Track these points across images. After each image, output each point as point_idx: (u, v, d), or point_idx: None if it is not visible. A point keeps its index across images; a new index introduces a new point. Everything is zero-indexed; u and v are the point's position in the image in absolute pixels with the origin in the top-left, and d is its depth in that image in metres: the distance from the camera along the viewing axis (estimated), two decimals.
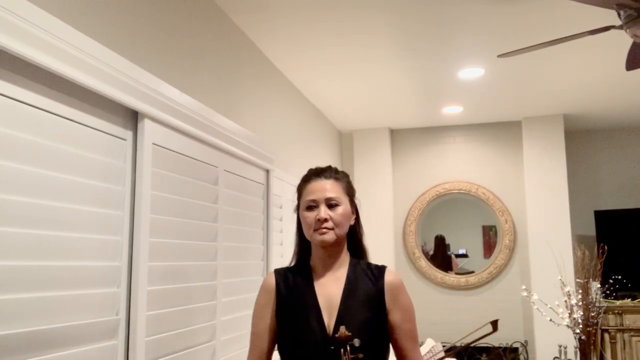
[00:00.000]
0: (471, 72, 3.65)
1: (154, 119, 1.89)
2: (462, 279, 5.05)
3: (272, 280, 1.59)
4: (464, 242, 5.17)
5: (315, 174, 1.60)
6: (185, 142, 2.14)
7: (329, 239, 1.52)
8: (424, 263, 5.11)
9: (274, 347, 1.58)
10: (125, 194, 1.76)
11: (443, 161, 5.23)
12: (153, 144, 1.88)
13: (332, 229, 1.52)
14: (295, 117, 3.83)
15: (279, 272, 1.62)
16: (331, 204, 1.53)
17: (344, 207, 1.55)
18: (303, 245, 1.63)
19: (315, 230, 1.52)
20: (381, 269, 1.59)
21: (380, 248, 5.01)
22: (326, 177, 1.58)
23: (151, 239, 1.84)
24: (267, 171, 3.03)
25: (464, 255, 5.14)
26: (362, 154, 5.18)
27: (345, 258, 1.60)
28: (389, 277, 1.57)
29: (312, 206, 1.54)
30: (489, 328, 1.20)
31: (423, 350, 3.73)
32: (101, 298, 1.62)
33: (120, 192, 1.75)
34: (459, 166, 5.19)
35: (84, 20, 1.62)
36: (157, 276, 1.88)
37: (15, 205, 1.33)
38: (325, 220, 1.51)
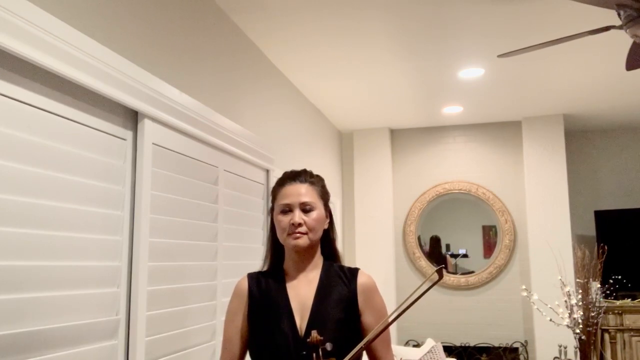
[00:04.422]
0: (471, 72, 3.65)
1: (154, 119, 1.89)
2: (462, 279, 5.05)
3: (245, 284, 1.58)
4: (464, 242, 5.17)
5: (290, 177, 1.57)
6: (185, 142, 2.14)
7: (302, 244, 1.51)
8: (424, 263, 5.11)
9: (245, 351, 1.57)
10: (125, 194, 1.77)
11: (443, 161, 5.23)
12: (153, 144, 1.88)
13: (305, 233, 1.51)
14: (295, 117, 3.83)
15: (252, 276, 1.60)
16: (306, 209, 1.52)
17: (318, 212, 1.54)
18: (276, 249, 1.61)
19: (289, 234, 1.51)
20: (354, 271, 1.59)
21: (380, 248, 5.02)
22: (301, 181, 1.56)
23: (151, 239, 1.84)
24: (267, 171, 3.03)
25: (465, 255, 5.13)
26: (362, 154, 5.19)
27: (318, 261, 1.59)
28: (361, 279, 1.56)
29: (287, 210, 1.53)
30: (435, 277, 1.20)
31: (423, 350, 3.73)
32: (101, 298, 1.62)
33: (120, 192, 1.75)
34: (459, 166, 5.19)
35: (83, 20, 1.62)
36: (157, 276, 1.88)
37: (15, 205, 1.33)
38: (300, 224, 1.50)
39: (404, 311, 1.19)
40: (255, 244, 2.82)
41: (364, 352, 1.55)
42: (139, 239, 1.77)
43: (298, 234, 1.50)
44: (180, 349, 2.03)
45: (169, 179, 2.00)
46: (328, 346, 1.33)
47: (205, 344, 2.23)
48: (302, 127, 3.99)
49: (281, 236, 1.54)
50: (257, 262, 2.82)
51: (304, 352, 1.38)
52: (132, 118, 1.83)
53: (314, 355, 1.32)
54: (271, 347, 1.47)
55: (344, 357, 1.32)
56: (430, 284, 1.21)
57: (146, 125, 1.84)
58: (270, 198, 1.62)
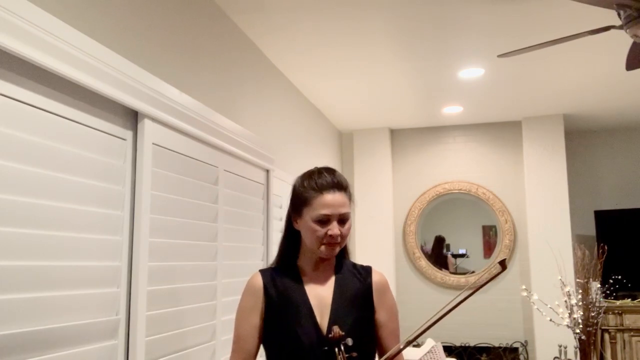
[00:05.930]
0: (471, 72, 3.65)
1: (154, 119, 1.89)
2: (462, 279, 5.05)
3: (259, 281, 1.57)
4: (464, 242, 5.17)
5: (331, 186, 1.52)
6: (185, 142, 2.14)
7: (335, 253, 1.55)
8: (424, 263, 5.11)
9: (259, 349, 1.57)
10: (125, 194, 1.76)
11: (443, 161, 5.23)
12: (153, 144, 1.88)
13: (339, 243, 1.53)
14: (295, 117, 3.83)
15: (265, 274, 1.58)
16: (343, 220, 1.52)
17: (350, 221, 1.56)
18: (290, 246, 1.61)
19: (324, 244, 1.51)
20: (367, 269, 1.63)
21: (381, 248, 5.01)
22: (339, 190, 1.53)
23: (151, 239, 1.84)
24: (267, 171, 3.03)
25: (465, 255, 5.13)
26: (362, 154, 5.18)
27: (332, 259, 1.61)
28: (376, 277, 1.61)
29: (324, 220, 1.50)
30: (498, 268, 1.26)
31: (423, 350, 3.73)
32: (101, 298, 1.62)
33: (120, 192, 1.75)
34: (459, 166, 5.19)
35: (84, 20, 1.62)
36: (157, 276, 1.88)
37: (15, 205, 1.33)
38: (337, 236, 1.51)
39: (470, 295, 1.26)
40: (255, 244, 2.82)
41: (375, 347, 1.59)
42: (139, 239, 1.77)
43: (334, 245, 1.52)
44: (180, 349, 2.03)
45: (169, 179, 2.00)
46: (349, 341, 1.38)
47: (205, 344, 2.23)
48: (302, 127, 3.99)
49: (314, 243, 1.52)
50: (257, 262, 2.83)
51: (326, 348, 1.42)
52: (132, 118, 1.82)
53: (337, 350, 1.37)
54: (294, 346, 1.47)
55: (362, 353, 1.41)
56: (494, 274, 1.28)
57: (146, 125, 1.84)
58: (299, 198, 1.55)
